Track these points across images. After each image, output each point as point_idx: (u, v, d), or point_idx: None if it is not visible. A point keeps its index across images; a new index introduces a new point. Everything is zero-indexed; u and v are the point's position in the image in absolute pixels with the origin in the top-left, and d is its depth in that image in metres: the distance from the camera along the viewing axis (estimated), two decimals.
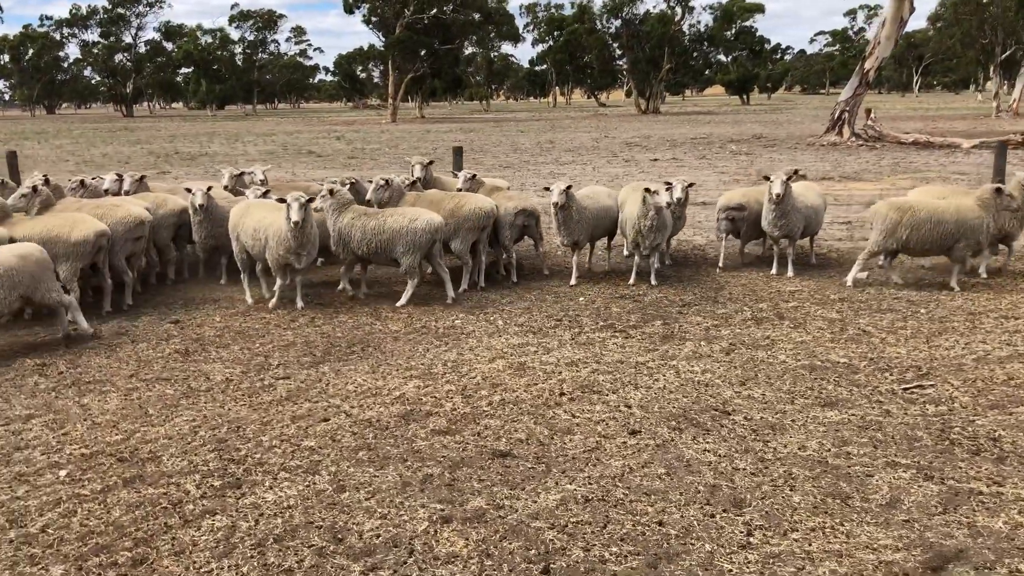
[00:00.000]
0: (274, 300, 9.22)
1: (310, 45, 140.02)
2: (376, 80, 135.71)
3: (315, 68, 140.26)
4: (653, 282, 9.99)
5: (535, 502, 4.85)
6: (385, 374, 7.09)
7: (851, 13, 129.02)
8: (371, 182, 10.13)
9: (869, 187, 19.26)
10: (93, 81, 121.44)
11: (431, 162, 11.46)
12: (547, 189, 9.79)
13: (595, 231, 10.52)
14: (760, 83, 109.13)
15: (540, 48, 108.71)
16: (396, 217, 9.21)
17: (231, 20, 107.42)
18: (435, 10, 67.44)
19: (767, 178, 10.09)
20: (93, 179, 11.41)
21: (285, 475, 5.26)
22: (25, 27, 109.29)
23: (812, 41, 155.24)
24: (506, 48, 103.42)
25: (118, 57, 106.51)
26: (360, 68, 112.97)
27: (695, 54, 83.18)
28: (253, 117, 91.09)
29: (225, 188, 10.98)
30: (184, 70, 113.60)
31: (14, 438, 5.89)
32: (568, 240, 10.08)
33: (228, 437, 5.84)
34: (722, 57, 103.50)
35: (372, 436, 5.82)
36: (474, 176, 10.94)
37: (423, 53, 69.04)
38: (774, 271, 10.48)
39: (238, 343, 8.09)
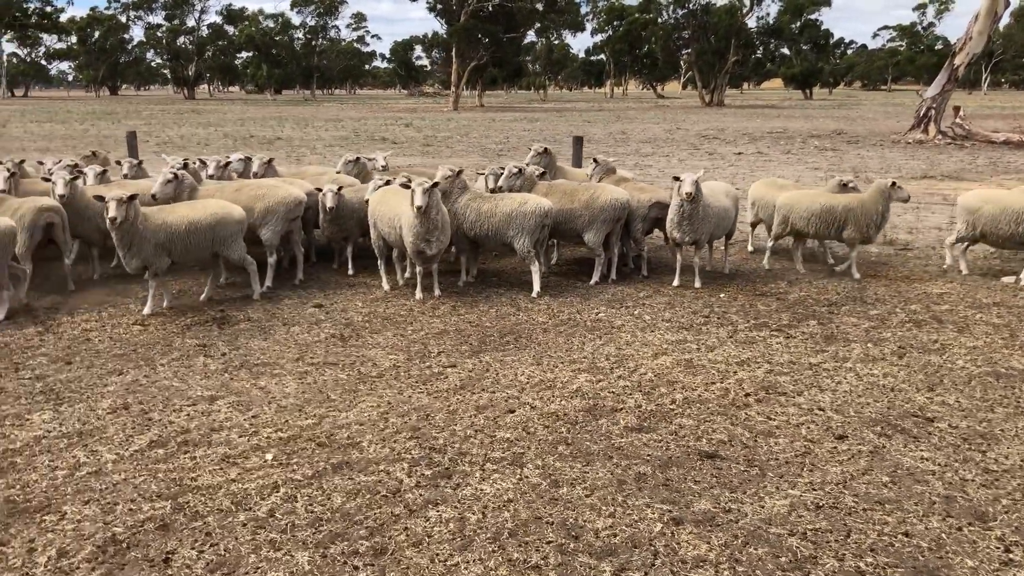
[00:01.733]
0: (418, 292, 9.14)
1: (368, 32, 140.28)
2: (429, 68, 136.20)
3: (372, 55, 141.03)
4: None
5: (762, 507, 4.71)
6: (551, 366, 6.99)
7: (920, 7, 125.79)
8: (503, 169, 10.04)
9: (975, 188, 18.67)
10: (154, 64, 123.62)
11: (546, 150, 11.31)
12: (676, 179, 9.48)
13: (716, 230, 10.11)
14: (823, 78, 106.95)
15: (599, 38, 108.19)
16: (507, 200, 9.16)
17: (292, 5, 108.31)
18: None
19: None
20: (194, 163, 11.43)
21: (492, 467, 5.18)
22: (92, 9, 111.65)
23: (875, 36, 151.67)
24: (562, 38, 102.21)
25: (180, 40, 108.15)
26: (423, 55, 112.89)
27: (761, 46, 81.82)
28: (312, 102, 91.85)
29: (336, 173, 10.95)
30: (244, 54, 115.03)
31: (206, 419, 5.90)
32: (690, 238, 9.46)
33: (420, 425, 5.78)
34: (785, 50, 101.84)
35: (565, 430, 5.72)
36: (610, 168, 10.78)
37: (486, 41, 68.95)
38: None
39: (389, 329, 8.06)
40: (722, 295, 9.34)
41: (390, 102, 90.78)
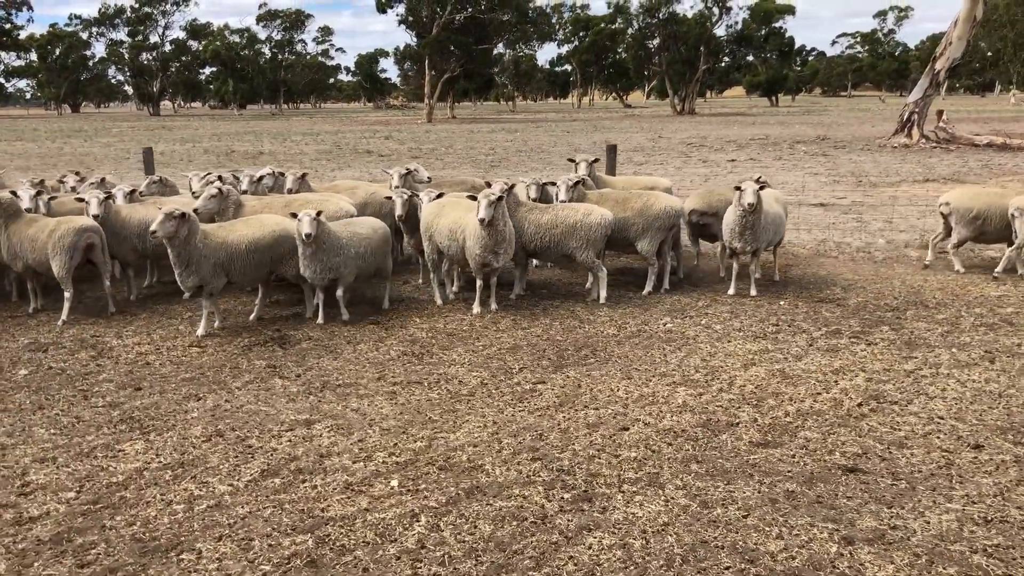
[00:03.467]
0: (476, 306, 8.90)
1: (332, 46, 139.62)
2: (396, 81, 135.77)
3: (336, 68, 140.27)
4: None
5: (928, 523, 4.54)
6: (644, 381, 6.79)
7: (880, 15, 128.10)
8: (553, 183, 9.88)
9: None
10: (115, 80, 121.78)
11: (596, 160, 11.14)
12: (737, 188, 9.36)
13: (773, 238, 10.02)
14: (790, 85, 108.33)
15: (564, 49, 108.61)
16: (570, 212, 9.00)
17: (259, 19, 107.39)
18: (471, 9, 67.21)
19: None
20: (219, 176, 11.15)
21: (631, 488, 4.96)
22: (52, 26, 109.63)
23: (834, 43, 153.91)
24: (531, 49, 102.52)
25: (144, 56, 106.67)
26: (387, 68, 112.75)
27: (732, 54, 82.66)
28: (280, 116, 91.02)
29: (394, 188, 10.53)
30: (209, 69, 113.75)
31: (310, 444, 5.62)
32: (751, 247, 9.36)
33: (537, 446, 5.55)
34: (750, 58, 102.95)
35: (690, 447, 5.52)
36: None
37: (457, 53, 68.80)
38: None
39: (457, 345, 7.81)
40: (782, 302, 9.21)
41: (359, 115, 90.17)
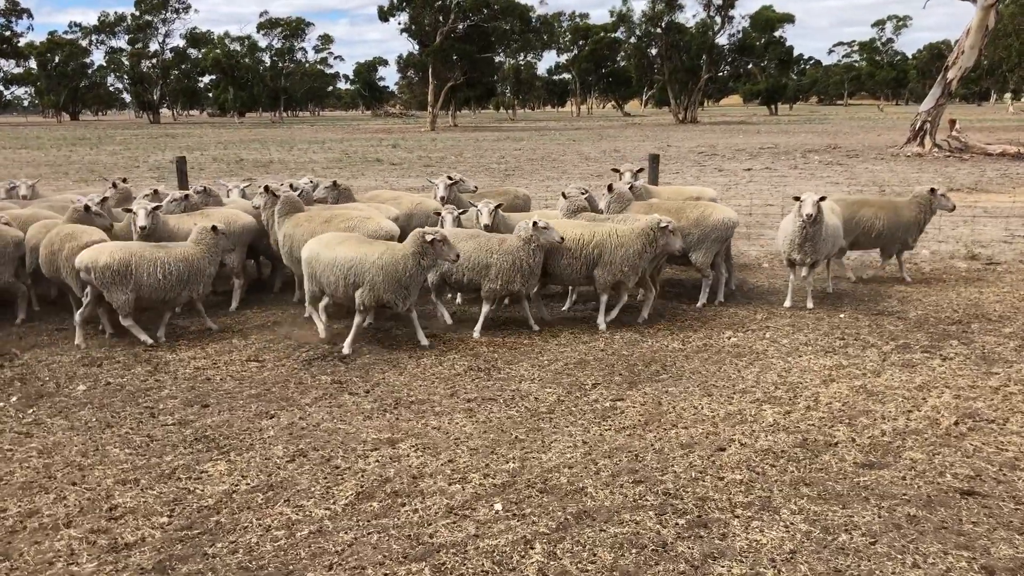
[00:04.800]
0: (533, 324, 8.65)
1: (332, 54, 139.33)
2: (396, 89, 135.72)
3: (335, 76, 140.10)
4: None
5: None
6: (726, 398, 6.62)
7: (879, 24, 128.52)
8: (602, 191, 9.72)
9: (1004, 199, 18.76)
10: (113, 88, 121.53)
11: (641, 169, 10.99)
12: (796, 199, 9.19)
13: (831, 250, 9.81)
14: (789, 93, 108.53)
15: (564, 57, 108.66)
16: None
17: (259, 27, 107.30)
18: (476, 18, 67.21)
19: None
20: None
21: (745, 512, 4.78)
22: (51, 34, 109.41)
23: (831, 52, 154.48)
24: (532, 57, 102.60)
25: (144, 64, 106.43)
26: (385, 77, 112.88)
27: (733, 63, 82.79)
28: (281, 124, 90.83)
29: (442, 200, 10.28)
30: (208, 77, 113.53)
31: (400, 465, 5.43)
32: (811, 259, 9.19)
33: (636, 467, 5.37)
34: (750, 66, 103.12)
35: (793, 468, 5.35)
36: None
37: (459, 61, 68.75)
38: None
39: (521, 360, 7.64)
40: (842, 315, 9.05)
41: (359, 123, 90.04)
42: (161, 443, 5.85)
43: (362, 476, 5.28)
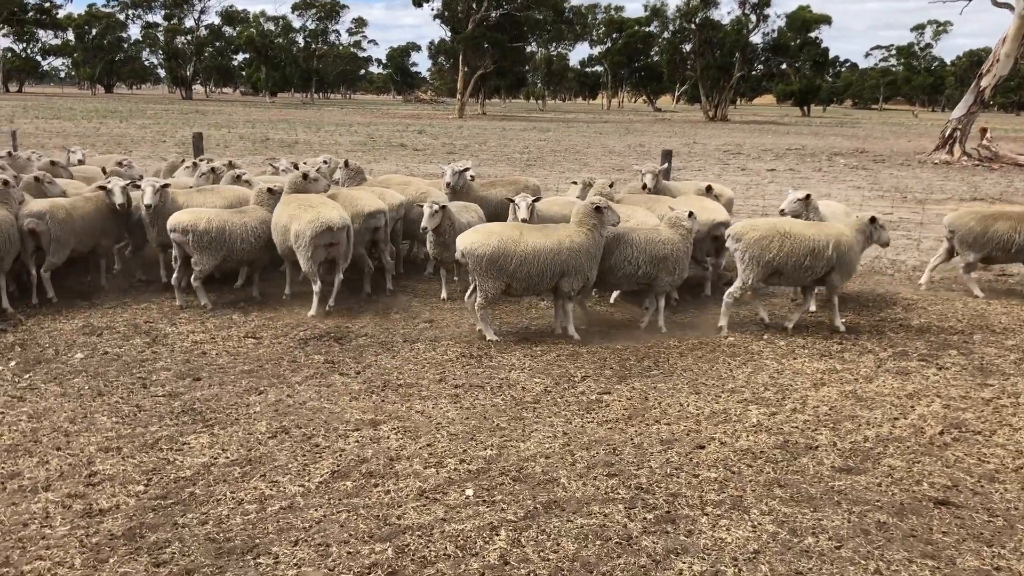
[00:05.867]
0: (571, 330, 8.39)
1: (365, 37, 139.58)
2: (427, 75, 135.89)
3: (368, 60, 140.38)
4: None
5: None
6: (713, 397, 6.61)
7: (918, 28, 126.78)
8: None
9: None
10: (148, 63, 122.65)
11: (663, 168, 10.94)
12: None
13: None
14: (823, 95, 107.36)
15: (597, 50, 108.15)
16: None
17: (294, 8, 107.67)
18: (507, 6, 67.04)
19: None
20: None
21: (715, 511, 4.79)
22: (90, 6, 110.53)
23: (868, 55, 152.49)
24: (564, 48, 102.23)
25: (178, 39, 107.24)
26: (417, 63, 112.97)
27: (766, 62, 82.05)
28: (311, 106, 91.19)
29: (448, 187, 10.35)
30: (242, 55, 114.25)
31: (379, 447, 5.48)
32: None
33: (612, 460, 5.39)
34: (783, 66, 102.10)
35: (769, 469, 5.34)
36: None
37: (490, 49, 68.63)
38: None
39: (514, 350, 7.66)
40: (843, 320, 8.98)
41: (389, 108, 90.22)
42: (148, 413, 5.94)
43: (340, 455, 5.34)
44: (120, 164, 11.07)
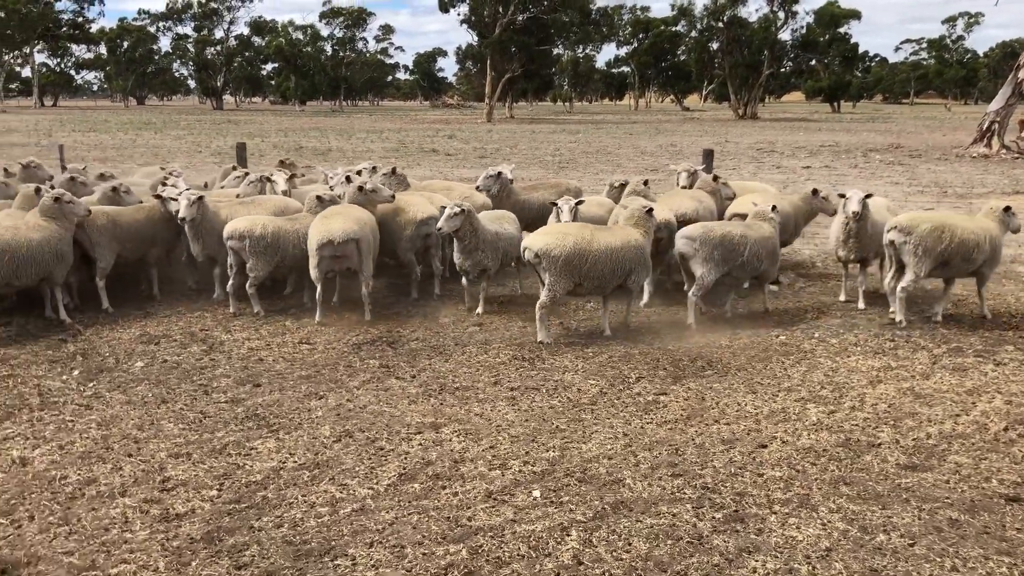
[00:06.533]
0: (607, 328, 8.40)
1: (392, 44, 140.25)
2: (454, 80, 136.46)
3: (395, 66, 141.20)
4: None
5: None
6: (771, 396, 6.59)
7: (950, 20, 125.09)
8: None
9: None
10: (178, 74, 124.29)
11: (701, 167, 10.94)
12: (842, 196, 9.10)
13: (880, 248, 9.66)
14: (853, 91, 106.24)
15: (623, 50, 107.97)
16: None
17: (321, 16, 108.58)
18: (533, 10, 67.15)
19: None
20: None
21: (783, 509, 4.78)
22: (121, 20, 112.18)
23: (897, 49, 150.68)
24: (592, 50, 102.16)
25: (208, 50, 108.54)
26: (444, 68, 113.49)
27: (795, 59, 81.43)
28: (341, 113, 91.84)
29: (477, 189, 10.47)
30: (271, 65, 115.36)
31: (442, 449, 5.53)
32: (855, 256, 9.12)
33: (675, 461, 5.40)
34: (812, 63, 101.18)
35: (834, 467, 5.32)
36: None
37: (518, 53, 68.77)
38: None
39: (566, 352, 7.69)
40: (891, 314, 8.91)
41: (417, 113, 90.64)
42: (213, 420, 6.04)
43: (405, 458, 5.40)
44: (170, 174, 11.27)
